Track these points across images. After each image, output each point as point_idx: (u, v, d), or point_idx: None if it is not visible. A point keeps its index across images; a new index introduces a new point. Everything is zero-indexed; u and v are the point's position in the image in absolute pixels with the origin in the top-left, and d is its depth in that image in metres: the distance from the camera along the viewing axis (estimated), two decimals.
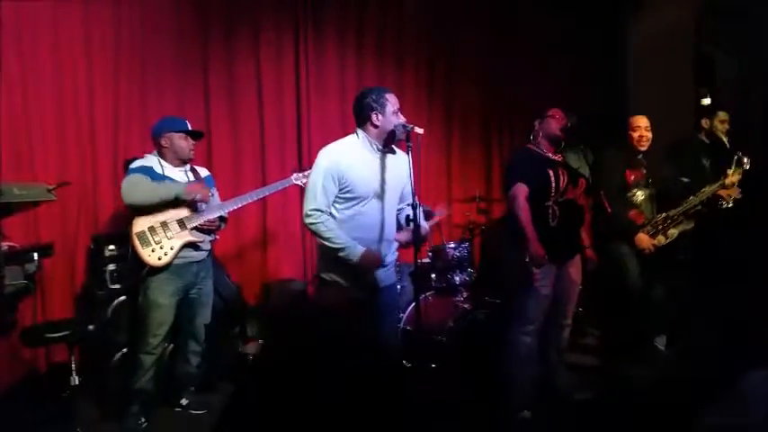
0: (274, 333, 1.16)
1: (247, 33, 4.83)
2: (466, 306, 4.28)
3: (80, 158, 4.25)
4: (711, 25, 5.25)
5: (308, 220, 2.95)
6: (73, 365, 3.72)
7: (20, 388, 3.85)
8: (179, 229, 3.42)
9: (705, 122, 4.34)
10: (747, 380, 1.04)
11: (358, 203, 2.98)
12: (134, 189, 3.32)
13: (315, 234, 2.97)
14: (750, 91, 4.96)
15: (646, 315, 3.94)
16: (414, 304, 3.86)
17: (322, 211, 2.93)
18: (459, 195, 5.55)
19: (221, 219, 3.63)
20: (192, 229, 3.46)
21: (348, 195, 2.96)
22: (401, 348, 4.01)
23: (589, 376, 4.01)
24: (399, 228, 3.16)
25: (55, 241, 3.89)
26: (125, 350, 3.78)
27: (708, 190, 3.90)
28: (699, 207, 3.90)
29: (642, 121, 3.94)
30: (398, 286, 4.33)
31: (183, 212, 3.45)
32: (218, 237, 3.71)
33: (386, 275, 3.13)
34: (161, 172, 3.46)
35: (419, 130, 2.88)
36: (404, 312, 4.31)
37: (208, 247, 3.60)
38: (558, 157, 3.53)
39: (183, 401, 3.71)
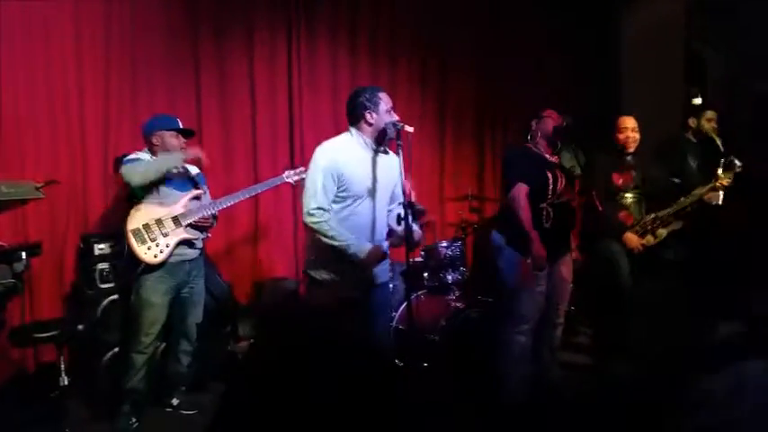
0: (265, 332, 1.15)
1: (239, 32, 4.80)
2: (458, 305, 4.27)
3: (70, 156, 4.21)
4: (701, 23, 5.27)
5: (311, 219, 2.92)
6: (62, 365, 3.70)
7: (8, 388, 3.82)
8: (174, 227, 3.41)
9: (692, 121, 4.33)
10: (745, 369, 1.03)
11: (352, 203, 2.98)
12: (134, 170, 3.29)
13: (318, 233, 2.94)
14: (740, 89, 4.98)
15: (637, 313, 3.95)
16: (406, 303, 3.85)
17: (325, 210, 2.92)
18: (452, 194, 5.54)
19: (213, 216, 3.61)
20: (186, 226, 3.45)
21: (344, 194, 2.96)
22: (393, 347, 4.00)
23: (582, 375, 4.01)
24: (390, 231, 3.15)
25: (43, 240, 3.85)
26: (115, 350, 3.75)
27: (698, 192, 3.90)
28: (688, 208, 3.91)
29: (629, 123, 3.92)
30: (391, 285, 4.33)
31: (178, 209, 3.44)
32: (209, 235, 3.69)
33: (379, 273, 3.13)
34: None
35: (409, 129, 2.89)
36: (396, 311, 4.30)
37: (200, 245, 3.59)
38: (554, 159, 3.55)
39: (174, 401, 3.69)
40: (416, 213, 3.09)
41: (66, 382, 3.69)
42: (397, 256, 4.47)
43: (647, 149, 4.06)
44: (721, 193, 3.89)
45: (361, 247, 2.92)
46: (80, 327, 3.78)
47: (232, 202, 3.66)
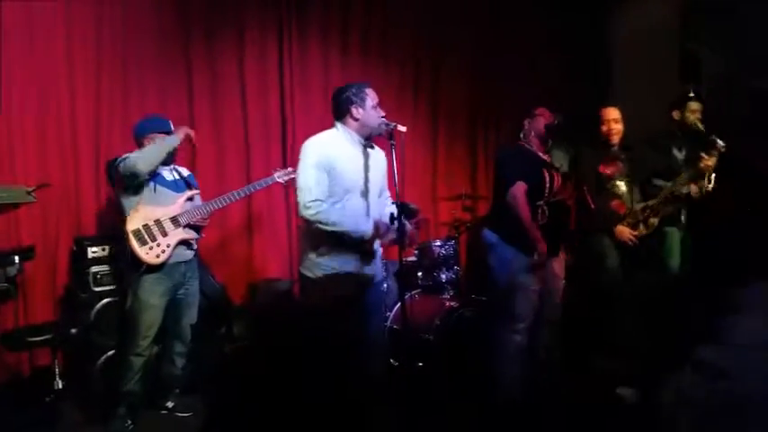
0: (259, 333, 1.15)
1: (231, 32, 4.79)
2: (453, 304, 4.27)
3: (61, 159, 4.19)
4: (696, 22, 5.29)
5: (309, 212, 2.91)
6: (56, 369, 3.70)
7: (2, 392, 3.82)
8: (173, 227, 3.43)
9: (676, 114, 4.32)
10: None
11: (342, 198, 2.98)
12: (138, 157, 3.30)
13: (319, 224, 2.93)
14: (735, 87, 4.99)
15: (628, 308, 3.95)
16: (400, 303, 3.85)
17: (321, 201, 2.91)
18: (445, 193, 5.55)
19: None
20: (185, 226, 3.47)
21: (334, 189, 2.96)
22: (388, 347, 4.01)
23: (577, 374, 4.01)
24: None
25: (36, 244, 3.85)
26: (109, 353, 3.75)
27: (684, 176, 3.90)
28: (679, 194, 3.90)
29: (611, 114, 3.89)
30: (384, 285, 4.34)
31: (176, 210, 3.46)
32: (203, 235, 3.70)
33: (372, 270, 3.14)
34: None
35: (402, 128, 2.90)
36: (390, 311, 4.31)
37: (195, 246, 3.61)
38: (546, 157, 3.57)
39: (169, 404, 3.69)
40: (409, 213, 3.11)
41: (60, 386, 3.69)
42: (391, 255, 4.49)
43: (636, 143, 4.06)
44: (696, 187, 3.89)
45: (365, 229, 2.95)
46: (74, 330, 3.77)
47: (225, 203, 3.65)
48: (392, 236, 3.01)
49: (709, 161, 3.84)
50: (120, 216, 3.40)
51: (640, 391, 3.16)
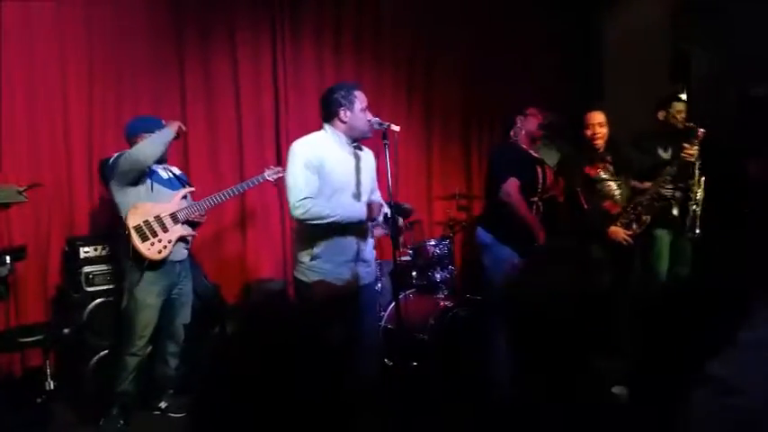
0: (245, 330, 1.14)
1: (223, 32, 4.77)
2: (447, 304, 4.27)
3: (54, 159, 4.16)
4: (687, 22, 5.30)
5: (299, 212, 2.91)
6: (48, 370, 3.67)
7: None
8: (172, 223, 3.44)
9: (661, 114, 4.31)
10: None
11: (331, 198, 2.97)
12: (140, 149, 3.32)
13: (312, 220, 2.92)
14: (725, 87, 5.01)
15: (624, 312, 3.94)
16: (394, 302, 3.85)
17: (311, 198, 2.90)
18: (440, 192, 5.55)
19: None
20: (183, 222, 3.49)
21: (323, 189, 2.96)
22: (382, 347, 4.00)
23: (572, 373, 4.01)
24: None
25: (28, 244, 3.82)
26: (102, 354, 3.73)
27: (669, 170, 3.89)
28: (664, 193, 3.90)
29: (596, 118, 3.82)
30: (379, 284, 4.33)
31: (174, 207, 3.47)
32: (197, 233, 3.70)
33: (366, 273, 3.14)
34: None
35: (395, 128, 2.90)
36: (385, 311, 4.30)
37: (188, 245, 3.61)
38: (536, 155, 3.58)
39: (162, 404, 3.67)
40: (403, 213, 3.11)
41: (52, 387, 3.67)
42: (385, 255, 4.48)
43: (622, 143, 4.06)
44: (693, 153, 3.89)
45: (358, 211, 2.95)
46: (66, 331, 3.76)
47: (216, 201, 3.66)
48: (386, 211, 3.03)
49: (690, 150, 3.83)
50: (119, 214, 3.39)
51: (632, 390, 3.14)
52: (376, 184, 3.24)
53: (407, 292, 4.40)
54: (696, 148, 3.82)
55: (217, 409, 0.95)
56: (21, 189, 3.31)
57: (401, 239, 3.03)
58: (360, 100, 3.01)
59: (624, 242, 3.76)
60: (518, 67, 5.82)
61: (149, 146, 3.35)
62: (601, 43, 6.00)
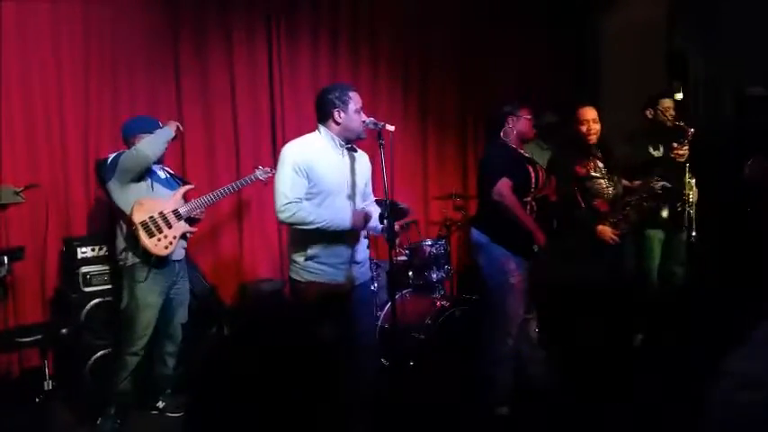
0: (247, 331, 1.15)
1: (219, 33, 4.77)
2: (444, 303, 4.29)
3: (50, 160, 4.17)
4: (684, 21, 5.31)
5: (284, 216, 2.93)
6: (46, 370, 3.68)
7: None
8: (175, 220, 3.47)
9: (649, 113, 4.31)
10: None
11: (324, 200, 2.98)
12: (144, 147, 3.34)
13: (296, 225, 2.95)
14: (722, 86, 5.03)
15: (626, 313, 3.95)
16: (390, 302, 3.86)
17: (296, 202, 2.91)
18: (436, 192, 5.55)
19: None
20: (186, 219, 3.52)
21: (314, 191, 2.96)
22: (379, 347, 4.01)
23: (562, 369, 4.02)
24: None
25: (25, 244, 3.83)
26: (99, 354, 3.74)
27: (659, 170, 3.89)
28: (655, 191, 3.90)
29: (589, 114, 3.78)
30: (375, 284, 4.35)
31: (175, 203, 3.50)
32: (196, 230, 3.73)
33: (359, 273, 3.15)
34: None
35: (390, 128, 2.90)
36: (381, 310, 4.31)
37: (185, 245, 3.63)
38: (527, 154, 3.58)
39: (160, 404, 3.68)
40: (398, 212, 3.11)
41: (50, 387, 3.68)
42: (381, 254, 4.49)
43: (614, 141, 4.07)
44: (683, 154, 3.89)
45: (342, 221, 2.95)
46: (64, 331, 3.77)
47: (211, 201, 3.69)
48: (374, 225, 3.04)
49: (680, 150, 3.84)
50: (121, 212, 3.40)
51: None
52: (371, 187, 3.24)
53: (404, 292, 4.41)
54: (686, 148, 3.84)
55: (214, 409, 0.96)
56: (18, 190, 3.33)
57: (397, 240, 3.02)
58: (354, 101, 3.01)
59: (611, 241, 3.75)
60: (514, 67, 5.83)
61: (153, 144, 3.38)
62: (597, 43, 6.01)
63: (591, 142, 3.78)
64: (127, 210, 3.36)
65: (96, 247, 3.87)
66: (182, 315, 3.66)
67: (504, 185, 3.32)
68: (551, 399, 3.52)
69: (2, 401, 3.68)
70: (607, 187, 3.82)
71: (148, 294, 3.40)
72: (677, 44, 5.33)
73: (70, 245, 3.89)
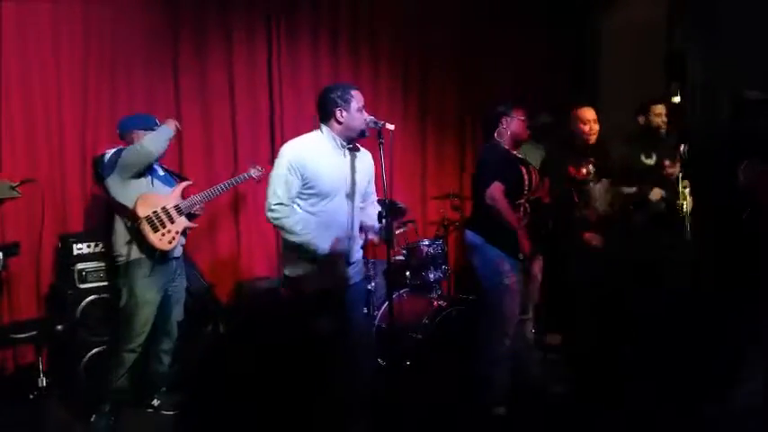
0: (241, 330, 1.15)
1: (219, 32, 4.76)
2: (441, 303, 4.28)
3: (47, 156, 4.16)
4: (683, 21, 5.31)
5: (271, 215, 2.95)
6: (41, 366, 3.67)
7: None
8: (177, 215, 3.49)
9: (641, 119, 4.30)
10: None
11: (321, 200, 2.98)
12: (147, 143, 3.35)
13: (279, 228, 2.99)
14: (719, 89, 5.02)
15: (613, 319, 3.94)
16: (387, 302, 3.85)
17: (285, 205, 2.92)
18: (434, 192, 5.54)
19: None
20: (186, 215, 3.54)
21: (311, 191, 2.96)
22: (375, 346, 4.01)
23: (559, 370, 4.02)
24: (361, 227, 3.16)
25: (21, 240, 3.81)
26: (95, 350, 3.73)
27: (648, 181, 3.89)
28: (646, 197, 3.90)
29: (589, 114, 3.80)
30: (372, 283, 4.34)
31: (175, 199, 3.52)
32: (196, 226, 3.73)
33: (352, 273, 3.15)
34: None
35: (390, 127, 2.89)
36: (378, 310, 4.31)
37: (183, 242, 3.63)
38: (520, 155, 3.57)
39: (155, 402, 3.66)
40: (396, 212, 3.10)
41: (44, 384, 3.66)
42: (379, 254, 4.48)
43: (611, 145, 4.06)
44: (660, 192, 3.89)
45: (320, 243, 2.95)
46: (59, 327, 3.75)
47: (207, 198, 3.70)
48: (371, 225, 3.03)
49: (672, 168, 3.83)
50: (123, 208, 3.39)
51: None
52: (373, 186, 3.23)
53: (401, 292, 4.41)
54: (678, 167, 3.82)
55: (209, 408, 0.95)
56: (14, 185, 3.30)
57: (395, 240, 3.02)
58: (356, 100, 3.00)
59: (597, 247, 3.74)
60: (513, 67, 5.83)
61: (156, 140, 3.39)
62: (596, 43, 6.00)
63: (590, 143, 3.77)
64: (129, 205, 3.36)
65: (92, 244, 3.86)
66: (178, 312, 3.66)
67: (496, 189, 3.31)
68: (548, 399, 3.52)
69: None
70: (598, 193, 3.80)
71: (147, 292, 3.39)
72: (676, 45, 5.33)
73: (66, 241, 3.87)
